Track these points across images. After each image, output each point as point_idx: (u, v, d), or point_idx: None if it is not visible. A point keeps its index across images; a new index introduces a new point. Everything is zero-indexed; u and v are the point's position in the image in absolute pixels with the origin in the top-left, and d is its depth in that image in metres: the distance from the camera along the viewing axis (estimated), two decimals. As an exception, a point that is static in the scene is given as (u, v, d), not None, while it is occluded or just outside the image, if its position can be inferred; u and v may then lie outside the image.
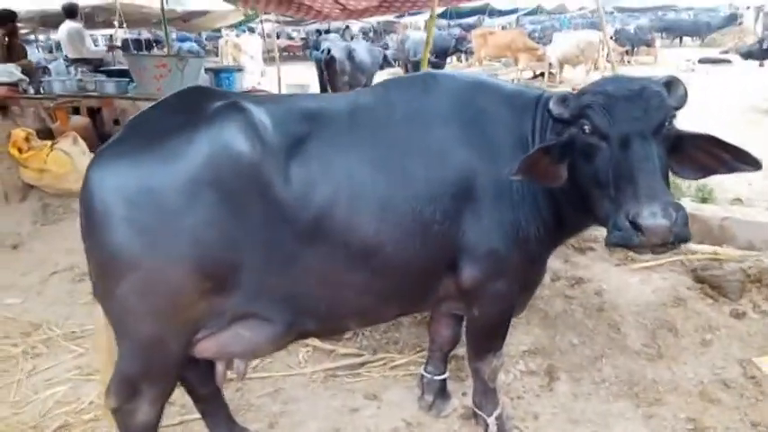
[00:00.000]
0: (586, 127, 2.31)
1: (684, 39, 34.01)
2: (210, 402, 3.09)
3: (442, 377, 3.53)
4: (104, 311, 2.38)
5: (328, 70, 13.70)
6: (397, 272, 2.56)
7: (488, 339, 3.08)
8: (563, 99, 2.45)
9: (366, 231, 2.43)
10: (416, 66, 18.31)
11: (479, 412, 3.30)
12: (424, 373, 3.54)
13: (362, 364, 4.06)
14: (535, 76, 21.37)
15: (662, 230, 2.04)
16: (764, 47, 13.78)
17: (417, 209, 2.49)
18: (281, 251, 2.35)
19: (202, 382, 2.94)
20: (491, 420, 3.23)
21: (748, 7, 36.73)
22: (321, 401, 3.70)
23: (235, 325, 2.46)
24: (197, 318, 2.35)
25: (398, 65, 20.66)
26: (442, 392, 3.54)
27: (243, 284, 2.34)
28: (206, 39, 36.84)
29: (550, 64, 20.45)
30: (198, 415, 3.36)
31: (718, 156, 2.33)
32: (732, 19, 34.19)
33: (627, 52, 25.87)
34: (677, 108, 2.33)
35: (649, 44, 27.17)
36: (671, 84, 2.36)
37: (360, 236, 2.43)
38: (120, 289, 2.21)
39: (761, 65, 18.67)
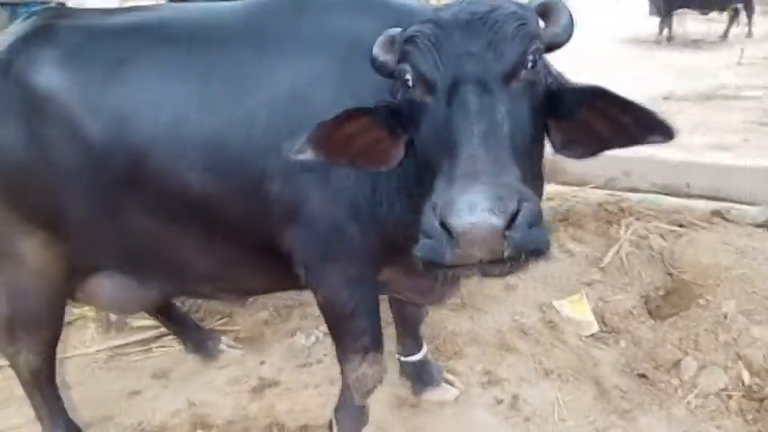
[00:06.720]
0: (408, 75, 1.58)
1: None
2: (172, 314, 3.43)
3: (420, 357, 3.14)
4: None
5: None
6: (231, 235, 2.20)
7: (342, 334, 2.40)
8: (391, 38, 1.69)
9: (188, 180, 2.06)
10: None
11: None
12: (401, 357, 3.18)
13: (158, 338, 3.71)
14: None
15: (483, 235, 1.23)
16: None
17: (252, 162, 2.00)
18: (102, 199, 2.12)
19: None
20: None
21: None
22: (100, 385, 3.33)
23: (96, 274, 2.40)
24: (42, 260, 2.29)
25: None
26: (424, 373, 3.16)
27: (75, 233, 2.22)
28: None
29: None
30: None
31: (617, 120, 1.56)
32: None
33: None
34: (555, 43, 1.60)
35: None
36: (547, 6, 1.62)
37: (181, 185, 2.07)
38: None
39: None
